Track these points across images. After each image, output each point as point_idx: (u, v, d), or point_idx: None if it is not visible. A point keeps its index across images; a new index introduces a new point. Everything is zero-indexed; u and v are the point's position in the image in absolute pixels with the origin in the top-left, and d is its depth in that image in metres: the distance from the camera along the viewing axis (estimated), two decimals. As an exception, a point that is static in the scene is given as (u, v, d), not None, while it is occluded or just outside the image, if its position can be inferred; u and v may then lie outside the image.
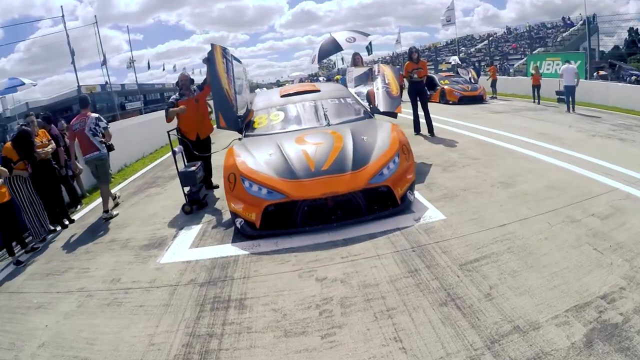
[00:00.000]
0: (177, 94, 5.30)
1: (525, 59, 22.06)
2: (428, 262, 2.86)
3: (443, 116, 9.93)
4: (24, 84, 8.50)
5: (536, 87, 12.74)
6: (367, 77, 6.19)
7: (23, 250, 4.55)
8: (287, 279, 2.93)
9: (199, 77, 5.45)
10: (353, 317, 2.36)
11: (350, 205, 3.62)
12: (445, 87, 13.72)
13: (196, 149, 5.23)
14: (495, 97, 14.63)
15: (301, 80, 25.95)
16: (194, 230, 4.18)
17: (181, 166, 4.81)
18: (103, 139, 5.24)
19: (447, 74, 16.11)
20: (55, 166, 5.27)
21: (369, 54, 34.58)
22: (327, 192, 3.48)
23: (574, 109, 10.41)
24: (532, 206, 3.69)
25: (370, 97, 5.43)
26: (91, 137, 5.09)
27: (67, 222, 5.24)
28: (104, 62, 25.16)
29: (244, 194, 3.67)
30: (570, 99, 10.48)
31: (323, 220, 3.59)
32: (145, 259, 3.69)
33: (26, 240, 4.73)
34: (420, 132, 7.95)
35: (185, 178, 4.59)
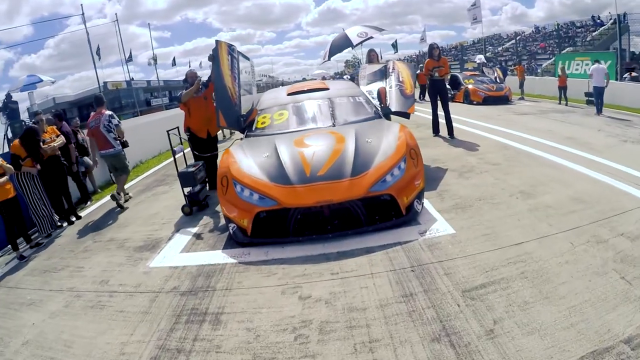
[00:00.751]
0: (185, 90, 5.15)
1: (553, 59, 20.77)
2: (427, 285, 2.50)
3: (465, 117, 9.37)
4: (42, 80, 8.70)
5: (562, 88, 11.90)
6: (382, 75, 5.81)
7: (28, 246, 4.57)
8: (270, 294, 2.67)
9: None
10: (330, 347, 2.06)
11: (349, 214, 3.29)
12: (470, 86, 12.97)
13: (206, 146, 5.09)
14: (523, 98, 13.75)
15: (324, 79, 25.59)
16: (189, 233, 4.02)
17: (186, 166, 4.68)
18: (117, 136, 5.39)
19: (472, 73, 15.30)
20: (64, 163, 5.25)
21: (394, 52, 33.80)
22: (321, 200, 3.17)
23: (601, 111, 9.63)
24: (553, 222, 3.23)
25: (381, 96, 5.06)
26: (106, 133, 5.28)
27: (73, 219, 5.22)
28: (129, 59, 25.78)
29: (235, 199, 3.43)
30: (599, 101, 9.68)
31: (318, 230, 3.29)
32: (136, 262, 3.58)
33: (32, 237, 4.74)
34: (440, 134, 7.47)
35: (184, 179, 4.43)
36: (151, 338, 2.34)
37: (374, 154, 3.50)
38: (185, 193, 4.57)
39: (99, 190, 6.56)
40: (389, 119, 6.25)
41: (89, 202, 5.94)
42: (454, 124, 7.36)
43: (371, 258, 2.93)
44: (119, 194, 5.34)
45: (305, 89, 5.22)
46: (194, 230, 4.07)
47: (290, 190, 3.22)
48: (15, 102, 9.03)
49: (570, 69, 14.89)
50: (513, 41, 31.75)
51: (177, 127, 4.74)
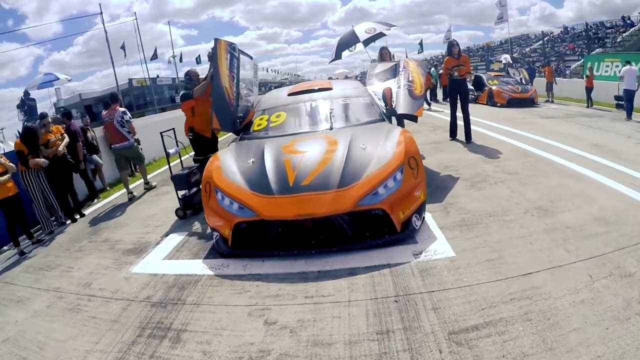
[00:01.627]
0: (190, 89, 4.89)
1: (582, 60, 19.35)
2: (409, 321, 2.09)
3: (487, 119, 8.69)
4: (58, 78, 8.88)
5: (589, 89, 10.93)
6: (392, 74, 5.33)
7: (30, 242, 4.53)
8: (236, 314, 2.39)
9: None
10: (281, 390, 1.72)
11: (335, 229, 2.91)
12: (494, 87, 12.11)
13: (210, 146, 4.87)
14: (551, 101, 12.71)
15: (346, 77, 25.04)
16: (177, 238, 3.80)
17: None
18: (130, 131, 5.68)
19: (497, 73, 14.34)
20: (71, 160, 5.19)
21: (418, 53, 32.72)
22: (302, 213, 2.79)
23: (631, 116, 8.75)
24: (572, 246, 2.72)
25: (386, 97, 4.61)
26: (119, 127, 5.58)
27: (77, 216, 5.15)
28: (154, 57, 26.29)
29: (217, 207, 3.14)
30: (629, 105, 8.81)
31: (299, 245, 2.93)
32: (120, 266, 3.43)
33: (35, 234, 4.70)
34: (457, 138, 6.89)
35: (177, 181, 4.20)
36: (113, 349, 2.23)
37: (367, 163, 3.08)
38: (179, 196, 4.35)
39: (108, 188, 6.52)
40: (401, 122, 5.79)
41: (95, 200, 5.89)
42: (474, 127, 6.75)
43: (353, 282, 2.54)
44: (147, 183, 6.04)
45: (308, 88, 4.87)
46: (183, 235, 3.85)
47: (270, 201, 2.88)
48: (33, 99, 9.27)
49: (600, 71, 13.79)
50: (541, 42, 30.05)
51: (173, 129, 4.51)
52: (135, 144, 5.78)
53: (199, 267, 3.10)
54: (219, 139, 5.25)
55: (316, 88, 4.81)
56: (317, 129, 3.98)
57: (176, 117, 10.80)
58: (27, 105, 8.97)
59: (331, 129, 3.94)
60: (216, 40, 4.35)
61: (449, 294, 2.29)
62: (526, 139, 6.45)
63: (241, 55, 4.78)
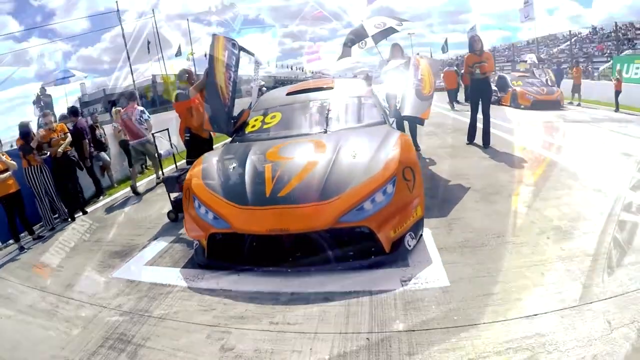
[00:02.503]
0: (183, 89, 4.65)
1: (611, 61, 17.73)
2: (377, 368, 1.73)
3: (508, 123, 8.03)
4: (74, 75, 9.03)
5: (617, 92, 9.93)
6: (401, 72, 4.86)
7: (31, 237, 4.50)
8: (195, 335, 2.16)
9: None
10: None
11: (314, 246, 2.56)
12: (518, 88, 11.24)
13: (207, 147, 4.65)
14: (578, 104, 11.64)
15: (367, 77, 24.33)
16: (162, 243, 3.60)
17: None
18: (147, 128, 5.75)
19: (521, 74, 13.34)
20: (73, 158, 5.11)
21: (443, 52, 31.32)
22: (275, 228, 2.46)
23: None
24: (590, 281, 2.23)
25: (389, 97, 4.17)
26: (137, 125, 5.69)
27: (80, 214, 5.09)
28: (178, 53, 26.46)
29: (194, 215, 2.88)
30: None
31: (275, 262, 2.61)
32: (104, 269, 3.30)
33: (36, 230, 4.66)
34: (474, 142, 6.28)
35: (168, 183, 4.00)
36: (75, 357, 2.13)
37: (354, 173, 2.68)
38: (171, 198, 4.14)
39: (116, 185, 6.46)
40: (414, 126, 5.31)
41: (101, 197, 5.83)
42: (493, 131, 6.07)
43: (325, 309, 2.19)
44: (159, 177, 5.99)
45: (308, 87, 4.52)
46: (169, 240, 3.64)
47: (245, 212, 2.56)
48: (49, 96, 9.49)
49: (629, 73, 12.53)
50: (569, 42, 28.00)
51: (167, 129, 4.30)
52: (152, 139, 5.77)
53: (174, 276, 2.88)
54: (222, 141, 5.03)
55: (320, 87, 4.45)
56: (311, 132, 3.63)
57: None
58: (42, 101, 9.22)
59: (326, 132, 3.58)
60: (214, 35, 4.09)
61: (432, 336, 1.89)
62: (549, 145, 5.84)
63: (242, 53, 4.49)
